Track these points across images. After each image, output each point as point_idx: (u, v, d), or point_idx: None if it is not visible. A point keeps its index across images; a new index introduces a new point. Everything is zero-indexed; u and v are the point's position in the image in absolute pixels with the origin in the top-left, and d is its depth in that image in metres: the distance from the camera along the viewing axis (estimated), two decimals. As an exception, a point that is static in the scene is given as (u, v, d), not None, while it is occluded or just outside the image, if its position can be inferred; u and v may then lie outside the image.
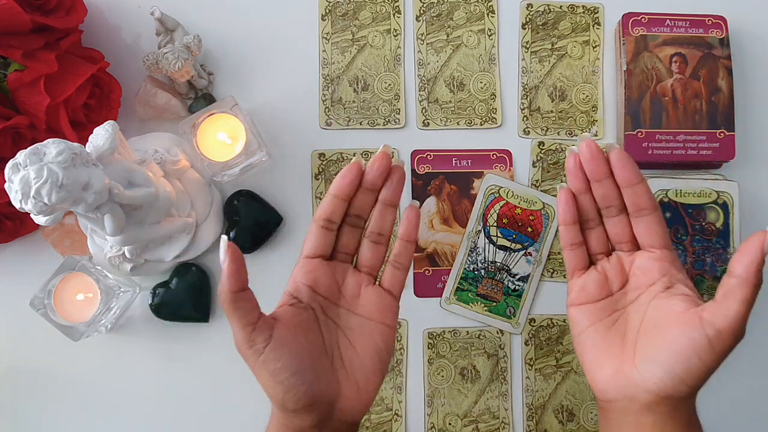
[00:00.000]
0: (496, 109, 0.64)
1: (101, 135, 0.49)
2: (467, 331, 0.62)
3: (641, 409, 0.40)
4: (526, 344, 0.62)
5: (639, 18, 0.61)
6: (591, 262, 0.45)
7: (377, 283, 0.45)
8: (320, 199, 0.63)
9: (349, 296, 0.44)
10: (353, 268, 0.44)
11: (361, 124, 0.63)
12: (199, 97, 0.62)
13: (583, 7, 0.64)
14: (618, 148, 0.42)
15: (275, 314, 0.41)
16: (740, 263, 0.37)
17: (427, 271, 0.63)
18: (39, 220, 0.47)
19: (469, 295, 0.62)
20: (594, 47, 0.64)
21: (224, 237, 0.39)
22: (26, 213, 0.46)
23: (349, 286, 0.44)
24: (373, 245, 0.44)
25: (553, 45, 0.64)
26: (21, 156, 0.43)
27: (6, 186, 0.44)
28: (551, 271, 0.63)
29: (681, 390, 0.38)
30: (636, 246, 0.43)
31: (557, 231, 0.63)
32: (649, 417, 0.40)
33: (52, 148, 0.44)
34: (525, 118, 0.64)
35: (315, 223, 0.43)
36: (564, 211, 0.44)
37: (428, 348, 0.62)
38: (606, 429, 0.43)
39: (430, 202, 0.63)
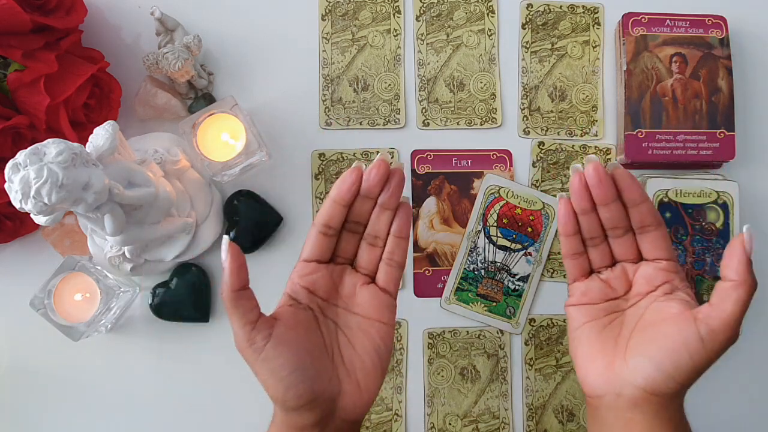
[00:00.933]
0: (496, 109, 0.64)
1: (101, 135, 0.49)
2: (467, 331, 0.62)
3: (628, 406, 0.40)
4: (526, 344, 0.62)
5: (639, 18, 0.61)
6: (593, 270, 0.45)
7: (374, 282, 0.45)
8: (320, 199, 0.63)
9: (346, 296, 0.44)
10: (351, 268, 0.45)
11: (361, 124, 0.63)
12: (199, 97, 0.62)
13: (583, 7, 0.64)
14: (621, 169, 0.41)
15: (275, 314, 0.41)
16: (729, 267, 0.38)
17: (427, 271, 0.63)
18: (39, 220, 0.47)
19: (469, 295, 0.62)
20: (594, 47, 0.64)
21: (226, 237, 0.40)
22: (26, 213, 0.46)
23: (346, 286, 0.44)
24: (369, 247, 0.44)
25: (553, 45, 0.64)
26: (21, 156, 0.43)
27: (6, 186, 0.44)
28: (551, 271, 0.63)
29: (669, 386, 0.39)
30: (640, 258, 0.44)
31: (557, 231, 0.63)
32: (636, 414, 0.40)
33: (52, 148, 0.44)
34: (525, 118, 0.64)
35: (314, 228, 0.43)
36: (565, 223, 0.43)
37: (428, 348, 0.62)
38: (594, 427, 0.43)
39: (430, 202, 0.63)
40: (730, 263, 0.38)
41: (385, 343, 0.43)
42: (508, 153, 0.63)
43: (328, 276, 0.43)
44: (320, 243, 0.43)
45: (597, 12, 0.64)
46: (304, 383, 0.39)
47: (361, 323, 0.43)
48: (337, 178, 0.48)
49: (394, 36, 0.64)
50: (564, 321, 0.62)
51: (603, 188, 0.41)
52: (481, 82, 0.64)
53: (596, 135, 0.63)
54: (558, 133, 0.64)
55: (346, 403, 0.41)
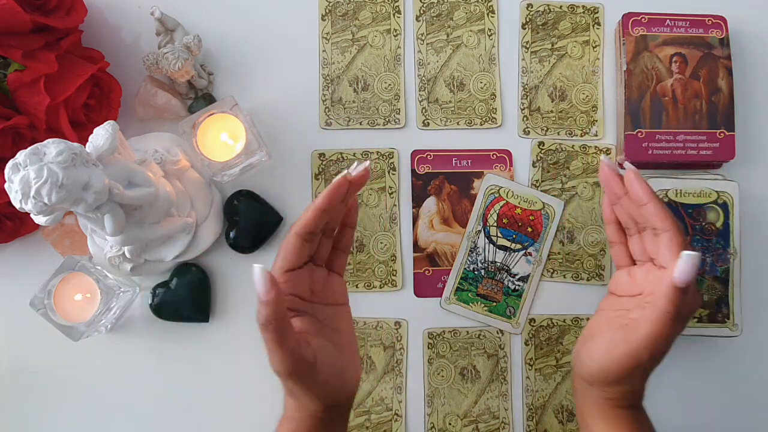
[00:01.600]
0: (496, 109, 0.64)
1: (101, 135, 0.49)
2: (467, 331, 0.62)
3: (581, 380, 0.46)
4: (526, 344, 0.62)
5: (639, 18, 0.61)
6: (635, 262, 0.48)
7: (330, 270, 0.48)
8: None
9: (318, 291, 0.46)
10: (311, 264, 0.46)
11: (361, 124, 0.63)
12: (199, 97, 0.62)
13: (583, 7, 0.64)
14: (630, 169, 0.44)
15: (296, 329, 0.42)
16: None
17: (427, 271, 0.63)
18: (39, 220, 0.47)
19: (469, 295, 0.62)
20: (594, 47, 0.64)
21: (257, 266, 0.37)
22: (26, 213, 0.46)
23: (316, 282, 0.46)
24: (325, 239, 0.47)
25: (553, 45, 0.64)
26: (21, 156, 0.43)
27: (6, 186, 0.44)
28: (551, 271, 0.63)
29: (584, 376, 0.45)
30: None
31: (557, 231, 0.63)
32: (577, 383, 0.47)
33: (52, 148, 0.44)
34: (525, 118, 0.64)
35: (297, 237, 0.43)
36: (603, 210, 0.50)
37: (428, 348, 0.62)
38: (574, 394, 0.49)
39: (430, 202, 0.63)
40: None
41: (351, 320, 0.48)
42: (508, 153, 0.63)
43: (308, 278, 0.45)
44: (304, 250, 0.44)
45: (597, 12, 0.64)
46: (352, 380, 0.44)
47: (336, 311, 0.46)
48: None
49: (394, 36, 0.64)
50: (564, 321, 0.62)
51: (608, 185, 0.46)
52: (481, 82, 0.64)
53: (596, 135, 0.63)
54: (558, 133, 0.64)
55: (356, 381, 0.45)
